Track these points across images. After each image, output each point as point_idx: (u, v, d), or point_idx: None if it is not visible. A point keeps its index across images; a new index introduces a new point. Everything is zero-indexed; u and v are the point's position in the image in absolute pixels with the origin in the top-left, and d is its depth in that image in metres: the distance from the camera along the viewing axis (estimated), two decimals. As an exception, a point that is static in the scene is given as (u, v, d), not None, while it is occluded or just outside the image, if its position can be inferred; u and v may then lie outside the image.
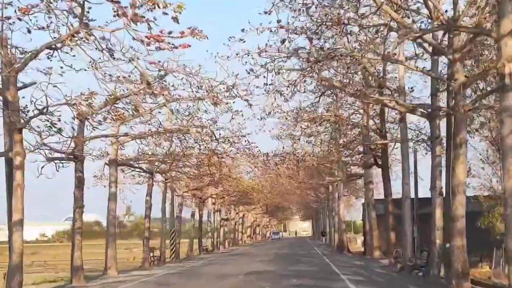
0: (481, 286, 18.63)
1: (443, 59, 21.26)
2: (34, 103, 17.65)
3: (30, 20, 15.33)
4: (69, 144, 22.06)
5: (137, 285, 21.48)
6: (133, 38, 14.97)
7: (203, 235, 56.59)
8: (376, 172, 40.97)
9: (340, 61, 20.88)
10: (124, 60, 16.20)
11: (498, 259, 28.17)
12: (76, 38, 15.88)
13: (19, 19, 15.29)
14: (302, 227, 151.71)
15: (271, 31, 18.16)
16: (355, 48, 19.35)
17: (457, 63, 16.88)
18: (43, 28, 15.69)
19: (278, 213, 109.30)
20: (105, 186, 29.35)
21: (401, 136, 25.87)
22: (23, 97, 17.66)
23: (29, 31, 15.50)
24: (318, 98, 24.78)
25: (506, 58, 14.40)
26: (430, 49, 20.58)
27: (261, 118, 22.31)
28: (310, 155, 39.12)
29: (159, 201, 37.91)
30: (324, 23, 18.11)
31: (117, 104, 22.07)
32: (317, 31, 18.21)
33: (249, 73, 18.33)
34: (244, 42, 17.85)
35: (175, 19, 13.92)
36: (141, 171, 29.99)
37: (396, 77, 26.17)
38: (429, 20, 17.17)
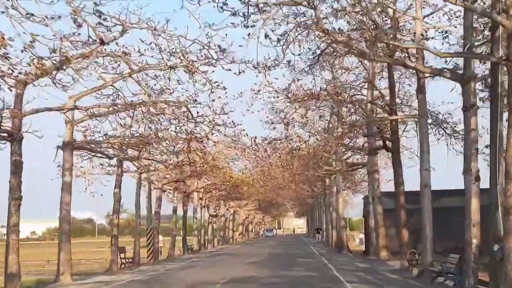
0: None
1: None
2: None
3: None
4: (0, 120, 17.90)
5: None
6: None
7: (189, 233, 51.57)
8: (379, 162, 36.03)
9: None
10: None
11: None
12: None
13: None
14: (297, 224, 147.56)
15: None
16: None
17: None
18: None
19: (272, 209, 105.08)
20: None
21: (419, 111, 20.81)
22: None
23: None
24: (316, 57, 19.62)
25: None
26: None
27: (240, 72, 17.16)
28: (306, 142, 34.47)
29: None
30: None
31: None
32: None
33: (222, 8, 13.17)
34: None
35: None
36: (103, 156, 24.89)
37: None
38: None
